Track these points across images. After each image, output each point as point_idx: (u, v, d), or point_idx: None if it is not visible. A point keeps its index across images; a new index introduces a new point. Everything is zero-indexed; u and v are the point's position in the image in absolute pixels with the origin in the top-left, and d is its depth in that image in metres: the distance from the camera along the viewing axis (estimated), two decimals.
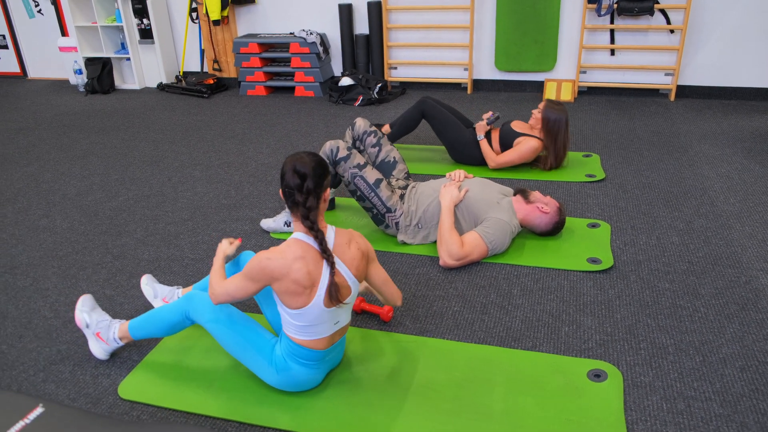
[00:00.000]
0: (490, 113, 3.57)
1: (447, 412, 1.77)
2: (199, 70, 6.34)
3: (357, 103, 5.30)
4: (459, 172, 2.84)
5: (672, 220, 2.93)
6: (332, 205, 3.20)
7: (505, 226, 2.61)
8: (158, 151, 4.28)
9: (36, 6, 6.58)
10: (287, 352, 1.78)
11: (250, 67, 5.77)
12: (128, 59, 6.26)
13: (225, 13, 5.82)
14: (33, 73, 7.05)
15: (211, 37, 6.02)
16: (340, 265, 1.74)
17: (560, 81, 5.23)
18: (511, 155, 3.54)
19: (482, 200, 2.68)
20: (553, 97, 5.21)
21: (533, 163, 3.65)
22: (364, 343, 2.10)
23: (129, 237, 2.99)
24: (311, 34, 5.54)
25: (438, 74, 5.69)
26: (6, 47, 6.95)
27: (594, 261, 2.57)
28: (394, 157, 3.00)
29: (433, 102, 3.67)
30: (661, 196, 3.20)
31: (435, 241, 2.76)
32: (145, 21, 5.96)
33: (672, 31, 4.89)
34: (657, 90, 5.18)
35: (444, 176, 3.48)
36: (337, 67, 5.94)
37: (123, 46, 6.27)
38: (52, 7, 6.50)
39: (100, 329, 2.02)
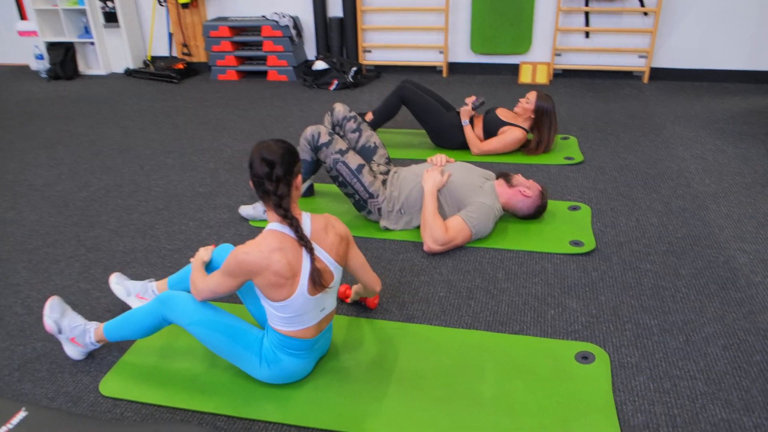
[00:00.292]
0: (474, 98, 3.54)
1: (438, 400, 1.76)
2: (167, 54, 6.16)
3: (332, 87, 5.22)
4: (440, 157, 2.82)
5: (650, 201, 2.97)
6: (311, 191, 3.14)
7: (488, 210, 2.60)
8: (128, 139, 4.15)
9: None
10: (276, 344, 1.74)
11: (221, 51, 5.63)
12: (92, 44, 6.05)
13: None
14: None
15: (179, 20, 5.84)
16: (320, 252, 1.70)
17: (535, 64, 5.23)
18: (496, 144, 3.53)
19: (465, 185, 2.66)
20: (528, 80, 5.22)
21: (519, 148, 3.64)
22: (351, 331, 2.07)
23: (102, 228, 2.89)
24: (284, 17, 5.43)
25: (413, 57, 5.63)
26: None
27: (576, 243, 2.59)
28: (375, 143, 2.96)
29: (412, 87, 3.63)
30: (638, 178, 3.23)
31: (418, 227, 2.74)
32: (109, 4, 5.75)
33: (646, 14, 4.93)
34: (631, 72, 5.22)
35: (425, 161, 3.46)
36: (310, 51, 5.83)
37: (86, 30, 6.05)
38: None
39: (74, 335, 1.93)
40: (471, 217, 2.56)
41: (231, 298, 2.31)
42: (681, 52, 5.01)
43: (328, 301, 1.77)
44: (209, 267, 1.96)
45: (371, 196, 2.70)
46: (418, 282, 2.37)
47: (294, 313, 1.68)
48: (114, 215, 3.02)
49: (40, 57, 6.04)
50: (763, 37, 4.78)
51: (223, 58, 5.66)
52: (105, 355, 2.00)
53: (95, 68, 6.20)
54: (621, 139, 3.80)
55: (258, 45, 5.71)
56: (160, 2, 5.84)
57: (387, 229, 2.75)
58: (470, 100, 3.55)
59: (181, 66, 5.76)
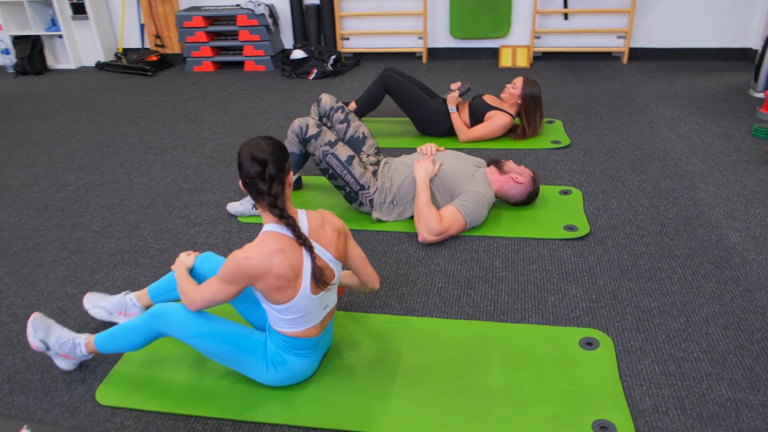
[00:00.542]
0: (459, 84, 3.50)
1: (447, 393, 1.74)
2: (140, 46, 5.99)
3: (311, 77, 5.13)
4: (431, 146, 2.78)
5: (640, 182, 2.98)
6: (299, 185, 3.08)
7: (481, 198, 2.58)
8: (105, 135, 4.02)
9: None
10: (281, 346, 1.70)
11: (196, 41, 5.49)
12: (60, 36, 5.84)
13: None
14: None
15: (151, 10, 5.66)
16: (319, 250, 1.66)
17: (515, 47, 5.21)
18: (483, 130, 3.50)
19: (457, 173, 2.63)
20: (509, 63, 5.20)
21: (506, 133, 3.62)
22: (352, 327, 2.04)
23: (85, 229, 2.80)
24: (259, 5, 5.30)
25: (392, 44, 5.56)
26: None
27: (570, 228, 2.58)
28: (363, 133, 2.91)
29: (395, 75, 3.57)
30: (626, 160, 3.24)
31: (411, 217, 2.70)
32: None
33: None
34: (610, 53, 5.23)
35: (413, 150, 3.42)
36: (287, 40, 5.72)
37: (54, 23, 5.83)
38: None
39: (64, 350, 1.84)
40: (465, 205, 2.54)
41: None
42: (659, 32, 5.03)
43: (330, 298, 1.74)
44: (193, 276, 1.89)
45: (362, 187, 2.65)
46: (416, 273, 2.34)
47: (298, 313, 1.64)
48: (97, 215, 2.92)
49: (5, 52, 5.82)
50: (739, 15, 4.82)
51: (198, 49, 5.52)
52: (99, 363, 1.93)
53: (65, 62, 5.99)
54: (605, 121, 3.81)
55: (234, 35, 5.57)
56: None
57: (380, 221, 2.71)
58: (456, 86, 3.51)
59: (154, 58, 5.60)
